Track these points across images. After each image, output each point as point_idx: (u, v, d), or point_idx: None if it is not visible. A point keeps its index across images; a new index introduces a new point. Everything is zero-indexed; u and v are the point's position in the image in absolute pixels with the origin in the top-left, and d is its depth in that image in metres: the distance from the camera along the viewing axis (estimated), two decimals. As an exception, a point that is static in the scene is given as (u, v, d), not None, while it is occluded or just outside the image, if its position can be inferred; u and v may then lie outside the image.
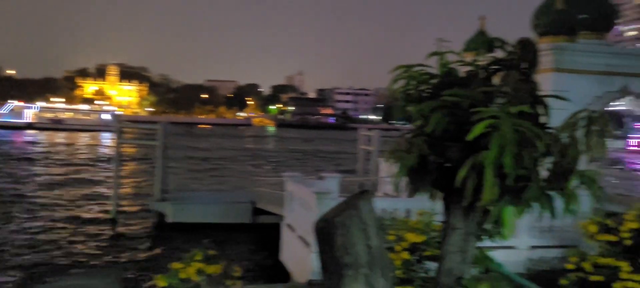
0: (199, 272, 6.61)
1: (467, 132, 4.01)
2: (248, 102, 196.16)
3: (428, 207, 7.71)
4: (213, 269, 6.67)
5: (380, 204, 10.94)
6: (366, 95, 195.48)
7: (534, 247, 10.79)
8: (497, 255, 10.21)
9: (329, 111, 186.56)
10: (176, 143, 48.14)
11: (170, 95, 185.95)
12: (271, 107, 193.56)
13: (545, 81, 13.15)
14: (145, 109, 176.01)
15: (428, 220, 8.92)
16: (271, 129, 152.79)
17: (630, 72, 13.50)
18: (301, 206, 11.90)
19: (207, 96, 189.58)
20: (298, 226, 12.12)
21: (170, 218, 21.33)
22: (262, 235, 19.73)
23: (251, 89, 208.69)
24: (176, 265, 6.63)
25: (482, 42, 4.96)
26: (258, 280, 14.30)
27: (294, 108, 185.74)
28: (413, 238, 8.45)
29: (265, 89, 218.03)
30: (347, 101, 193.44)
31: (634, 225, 8.96)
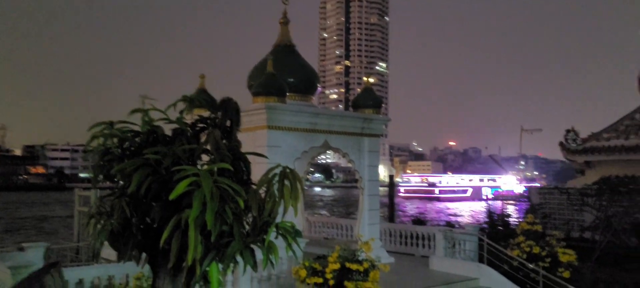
0: None
1: (170, 190, 3.92)
2: None
3: (147, 270, 7.32)
4: None
5: (94, 272, 9.98)
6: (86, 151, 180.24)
7: (254, 297, 11.18)
8: (220, 310, 10.29)
9: (40, 170, 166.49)
10: None
11: None
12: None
13: (261, 137, 14.10)
14: None
15: (145, 285, 8.48)
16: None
17: (330, 130, 15.47)
18: (-6, 284, 10.06)
19: None
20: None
21: None
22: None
23: None
24: None
25: (188, 100, 4.99)
26: None
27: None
28: (129, 305, 7.91)
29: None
30: (63, 158, 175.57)
31: (335, 266, 10.05)
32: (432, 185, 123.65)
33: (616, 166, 22.49)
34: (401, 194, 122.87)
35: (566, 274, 13.16)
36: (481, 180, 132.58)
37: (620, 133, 23.09)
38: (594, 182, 20.68)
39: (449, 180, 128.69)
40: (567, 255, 13.45)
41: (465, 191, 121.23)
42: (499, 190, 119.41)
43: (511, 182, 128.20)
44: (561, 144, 25.05)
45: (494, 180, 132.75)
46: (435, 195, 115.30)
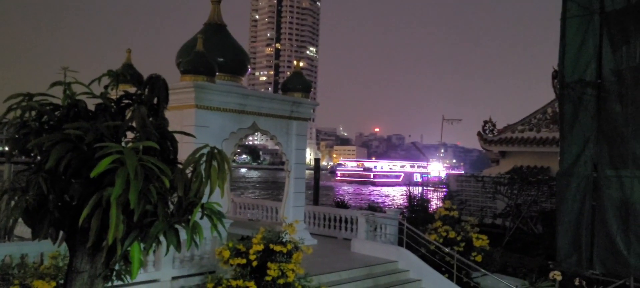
0: None
1: (92, 167, 3.81)
2: None
3: (64, 249, 7.04)
4: None
5: (6, 250, 9.45)
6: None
7: (175, 278, 11.00)
8: (140, 291, 10.08)
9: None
10: None
11: None
12: None
13: (188, 117, 13.81)
14: None
15: (62, 264, 8.17)
16: None
17: (259, 112, 15.39)
18: None
19: None
20: None
21: None
22: None
23: None
24: None
25: (114, 75, 4.84)
26: None
27: None
28: (42, 285, 7.61)
29: None
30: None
31: (259, 248, 10.10)
32: (368, 170, 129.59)
33: (528, 157, 23.93)
34: (338, 178, 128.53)
35: (478, 258, 13.91)
36: (412, 166, 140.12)
37: (532, 125, 24.54)
38: (506, 172, 21.94)
39: (383, 166, 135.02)
40: (480, 241, 14.21)
41: (398, 176, 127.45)
42: (428, 176, 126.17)
43: (439, 169, 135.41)
44: (479, 133, 26.30)
45: (424, 167, 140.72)
46: (371, 180, 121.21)
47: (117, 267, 4.60)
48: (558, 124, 16.21)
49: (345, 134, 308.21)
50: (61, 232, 4.32)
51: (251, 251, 10.15)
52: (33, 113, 4.32)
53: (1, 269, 8.41)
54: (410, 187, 26.84)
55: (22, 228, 7.07)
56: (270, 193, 68.24)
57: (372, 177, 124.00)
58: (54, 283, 7.62)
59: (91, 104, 4.62)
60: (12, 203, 4.06)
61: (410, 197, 23.91)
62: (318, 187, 26.99)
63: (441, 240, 14.28)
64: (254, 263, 10.11)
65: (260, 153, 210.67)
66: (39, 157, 4.19)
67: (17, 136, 4.20)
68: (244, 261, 10.13)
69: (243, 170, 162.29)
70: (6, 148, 4.27)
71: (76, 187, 4.03)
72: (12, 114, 4.28)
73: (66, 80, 4.48)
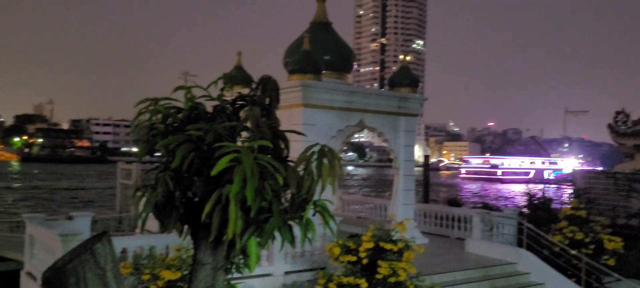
0: None
1: (212, 166, 4.04)
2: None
3: (186, 242, 7.55)
4: None
5: (137, 242, 10.34)
6: (127, 126, 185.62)
7: (288, 273, 11.36)
8: (255, 284, 10.53)
9: (85, 143, 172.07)
10: None
11: None
12: (15, 139, 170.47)
13: (296, 115, 14.16)
14: None
15: (185, 256, 8.74)
16: (14, 163, 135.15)
17: (365, 109, 15.42)
18: (44, 251, 10.55)
19: None
20: (41, 274, 10.66)
21: None
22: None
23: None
24: None
25: (228, 78, 5.09)
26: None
27: (43, 140, 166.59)
28: (169, 275, 8.19)
29: (7, 119, 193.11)
30: (106, 133, 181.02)
31: (369, 245, 10.11)
32: (495, 166, 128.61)
33: (669, 151, 21.59)
34: (462, 176, 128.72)
35: (611, 262, 12.79)
36: (543, 163, 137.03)
37: (675, 116, 22.10)
38: (644, 167, 20.00)
39: (511, 162, 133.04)
40: (613, 243, 13.06)
41: (527, 173, 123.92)
42: (561, 172, 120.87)
43: (573, 165, 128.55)
44: (610, 126, 24.23)
45: (555, 163, 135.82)
46: (498, 177, 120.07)
47: (236, 260, 4.83)
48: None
49: (456, 129, 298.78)
50: (185, 226, 4.63)
51: (361, 249, 10.18)
52: (159, 116, 4.66)
53: (134, 259, 9.19)
54: (530, 185, 25.44)
55: (148, 222, 7.66)
56: (376, 191, 68.12)
57: (499, 174, 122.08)
58: (179, 274, 8.18)
59: (209, 106, 4.90)
60: (144, 199, 4.42)
61: (530, 195, 22.63)
62: (428, 184, 26.48)
63: (567, 242, 13.31)
64: (364, 261, 10.14)
65: (367, 150, 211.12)
66: (165, 157, 4.51)
67: (147, 138, 4.57)
68: (354, 258, 10.19)
69: (349, 167, 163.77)
70: (140, 149, 4.65)
71: (198, 185, 4.29)
72: (141, 117, 4.65)
73: (187, 84, 4.78)
